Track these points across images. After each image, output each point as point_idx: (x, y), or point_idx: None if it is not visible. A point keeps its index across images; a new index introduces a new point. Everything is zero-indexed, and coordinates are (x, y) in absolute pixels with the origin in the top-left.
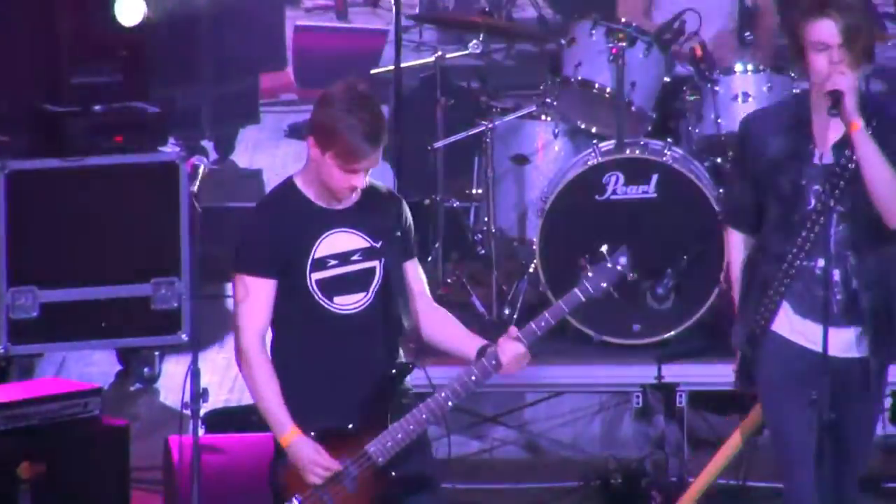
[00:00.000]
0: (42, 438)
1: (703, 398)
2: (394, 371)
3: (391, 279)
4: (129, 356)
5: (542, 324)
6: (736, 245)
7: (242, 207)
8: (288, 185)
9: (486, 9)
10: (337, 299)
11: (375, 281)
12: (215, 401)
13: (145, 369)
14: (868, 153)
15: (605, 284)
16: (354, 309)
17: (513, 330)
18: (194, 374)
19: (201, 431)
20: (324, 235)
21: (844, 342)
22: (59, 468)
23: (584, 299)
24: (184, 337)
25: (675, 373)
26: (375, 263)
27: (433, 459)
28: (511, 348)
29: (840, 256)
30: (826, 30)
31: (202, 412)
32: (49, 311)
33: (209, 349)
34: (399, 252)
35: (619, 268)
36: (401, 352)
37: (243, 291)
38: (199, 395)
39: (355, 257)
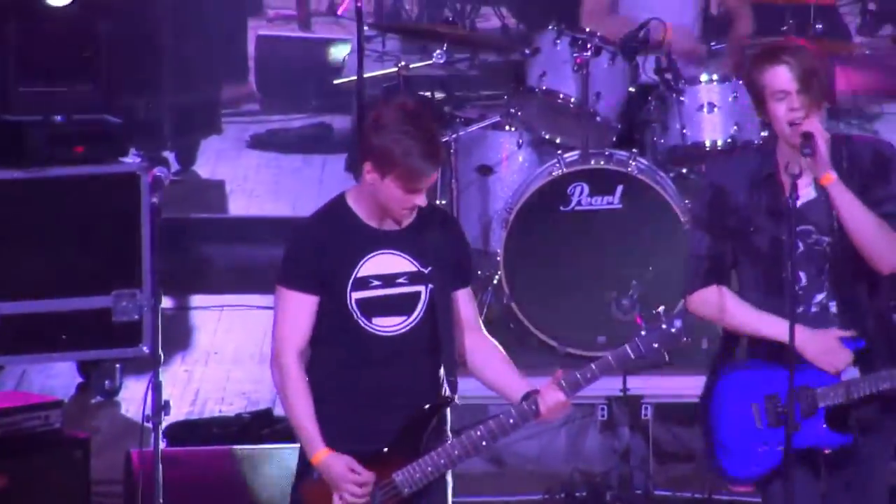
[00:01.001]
0: (3, 451)
1: (668, 411)
2: (434, 402)
3: (437, 306)
4: (90, 369)
5: (588, 375)
6: (731, 295)
7: (204, 219)
8: (338, 202)
9: (450, 18)
10: (376, 320)
11: (420, 306)
12: (177, 413)
13: (106, 382)
14: (846, 203)
15: (657, 345)
16: (394, 331)
17: (558, 375)
18: (155, 386)
19: (163, 444)
20: (369, 255)
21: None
22: (21, 481)
23: (633, 357)
24: (145, 349)
25: (640, 385)
26: (421, 288)
27: (447, 498)
28: (552, 397)
29: (842, 291)
30: (782, 77)
31: (163, 425)
32: (9, 323)
33: (171, 361)
34: (449, 279)
35: (673, 331)
36: (445, 382)
37: (284, 305)
38: (160, 407)
39: (400, 280)
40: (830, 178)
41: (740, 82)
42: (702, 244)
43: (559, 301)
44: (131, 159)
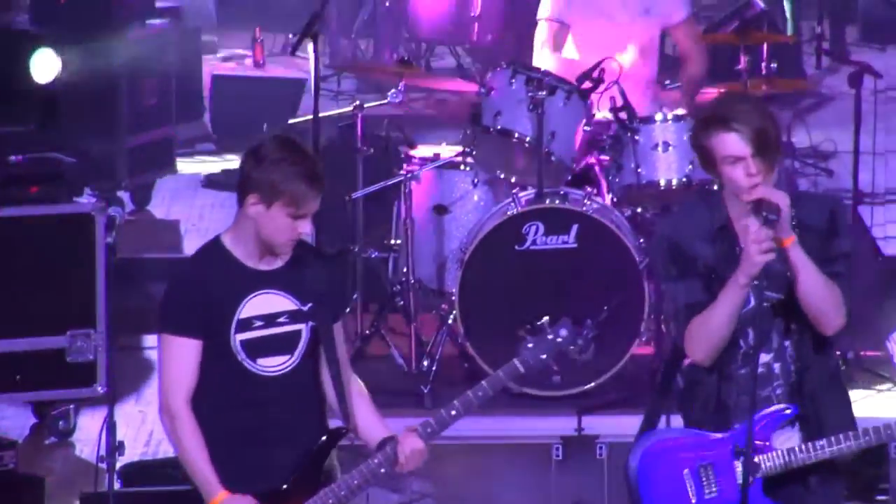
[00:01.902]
0: None
1: (624, 450)
2: (327, 436)
3: (319, 342)
4: (45, 409)
5: (480, 393)
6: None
7: (159, 258)
8: (214, 244)
9: (406, 58)
10: (261, 361)
11: (301, 344)
12: (131, 454)
13: (60, 422)
14: (801, 265)
15: (544, 356)
16: (279, 371)
17: (411, 427)
18: (110, 427)
19: (117, 485)
20: (250, 296)
21: (791, 440)
22: None
23: (523, 371)
24: (100, 389)
25: (595, 424)
26: (302, 326)
27: None
28: (409, 444)
29: (781, 345)
30: (734, 144)
31: (118, 466)
32: None
33: (125, 402)
34: (329, 315)
35: (559, 340)
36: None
37: (168, 351)
38: (114, 448)
39: (281, 319)
40: (791, 239)
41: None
42: (678, 296)
43: (514, 340)
44: (86, 199)
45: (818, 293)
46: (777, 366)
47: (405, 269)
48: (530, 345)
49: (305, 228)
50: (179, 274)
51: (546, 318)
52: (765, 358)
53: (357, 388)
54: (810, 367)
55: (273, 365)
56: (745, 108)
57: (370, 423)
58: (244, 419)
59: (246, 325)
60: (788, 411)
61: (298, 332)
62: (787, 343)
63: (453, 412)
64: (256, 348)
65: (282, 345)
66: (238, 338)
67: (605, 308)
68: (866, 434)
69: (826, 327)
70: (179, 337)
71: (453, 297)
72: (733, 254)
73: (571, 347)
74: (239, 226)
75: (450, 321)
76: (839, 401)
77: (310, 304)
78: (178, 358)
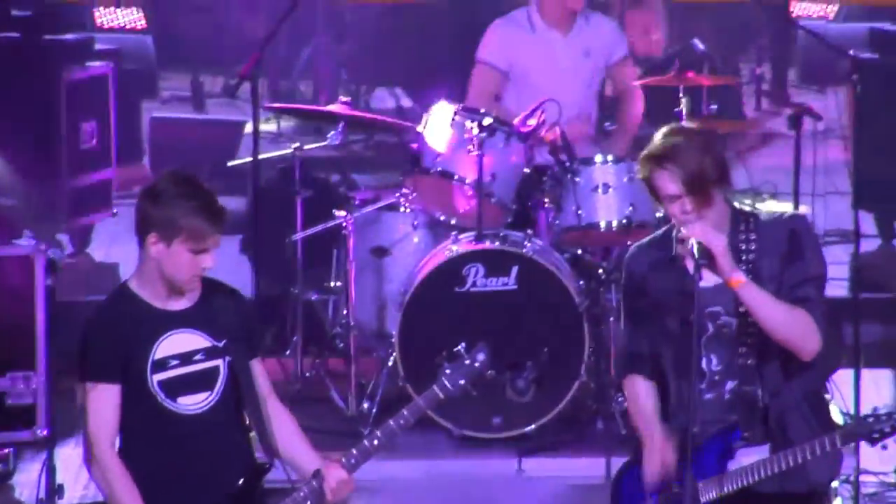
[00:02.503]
0: None
1: (564, 490)
2: (251, 471)
3: (237, 378)
4: None
5: (402, 422)
6: (642, 392)
7: (99, 301)
8: (121, 291)
9: (345, 99)
10: (181, 400)
11: (220, 380)
12: (71, 497)
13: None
14: (757, 305)
15: (463, 381)
16: (200, 409)
17: (377, 432)
18: (49, 469)
19: None
20: (164, 336)
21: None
22: None
23: (442, 397)
24: (40, 432)
25: (535, 466)
26: (219, 362)
27: None
28: (334, 476)
29: (749, 371)
30: (668, 183)
31: None
32: None
33: (65, 445)
34: (244, 350)
35: (476, 365)
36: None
37: (89, 399)
38: (54, 491)
39: (197, 357)
40: (739, 280)
41: (634, 163)
42: (624, 335)
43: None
44: (26, 242)
45: (781, 327)
46: (746, 390)
47: (345, 312)
48: (448, 371)
49: (208, 263)
50: (91, 322)
51: (463, 345)
52: (730, 385)
53: (286, 418)
54: (780, 393)
55: (194, 403)
56: (683, 146)
57: (300, 452)
58: (170, 459)
59: (162, 365)
60: (747, 435)
61: (216, 369)
62: (754, 368)
63: (375, 442)
64: (175, 387)
65: (201, 382)
66: (155, 379)
67: (546, 350)
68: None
69: (801, 354)
70: (99, 384)
71: (393, 340)
72: (682, 286)
73: (490, 372)
74: (143, 268)
75: (390, 363)
76: (812, 425)
77: (224, 340)
78: (99, 405)
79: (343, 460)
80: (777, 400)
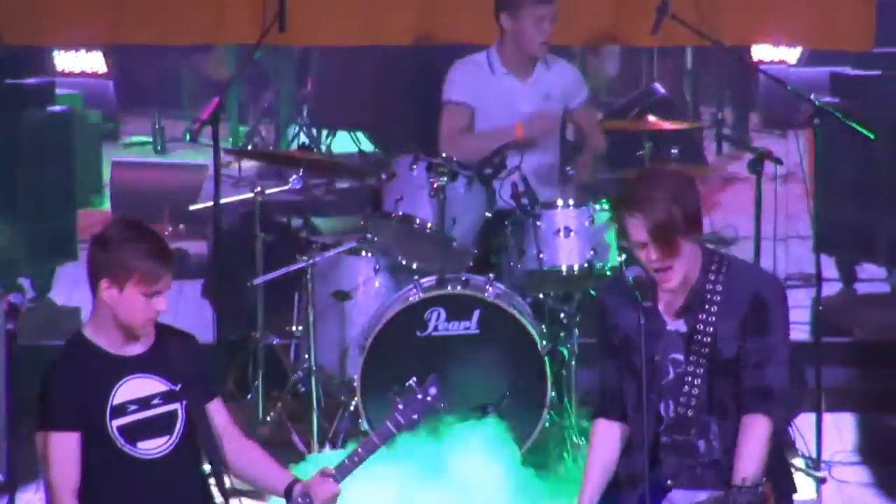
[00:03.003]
0: None
1: None
2: None
3: (195, 420)
4: None
5: (356, 458)
6: (604, 439)
7: (61, 345)
8: (77, 339)
9: (306, 143)
10: (141, 444)
11: (179, 423)
12: None
13: None
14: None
15: (416, 416)
16: (160, 453)
17: (327, 469)
18: None
19: None
20: (121, 382)
21: None
22: None
23: (396, 432)
24: (0, 477)
25: None
26: (177, 406)
27: None
28: (326, 489)
29: (703, 423)
30: (636, 229)
31: None
32: None
33: (25, 490)
34: (200, 393)
35: (429, 399)
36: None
37: (49, 448)
38: None
39: (155, 401)
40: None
41: (596, 207)
42: (601, 370)
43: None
44: None
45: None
46: (701, 443)
47: (307, 356)
48: (401, 406)
49: (161, 306)
50: (49, 372)
51: (414, 379)
52: (690, 430)
53: (250, 448)
54: (726, 451)
55: (153, 447)
56: (653, 195)
57: (271, 473)
58: (131, 503)
59: (120, 410)
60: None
61: (175, 412)
62: (710, 421)
63: (356, 458)
64: (134, 432)
65: (160, 426)
66: (114, 424)
67: (507, 394)
68: None
69: None
70: (58, 432)
71: (355, 384)
72: (650, 327)
73: (441, 405)
74: (97, 315)
75: (351, 407)
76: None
77: (180, 384)
78: (59, 454)
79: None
80: (720, 443)
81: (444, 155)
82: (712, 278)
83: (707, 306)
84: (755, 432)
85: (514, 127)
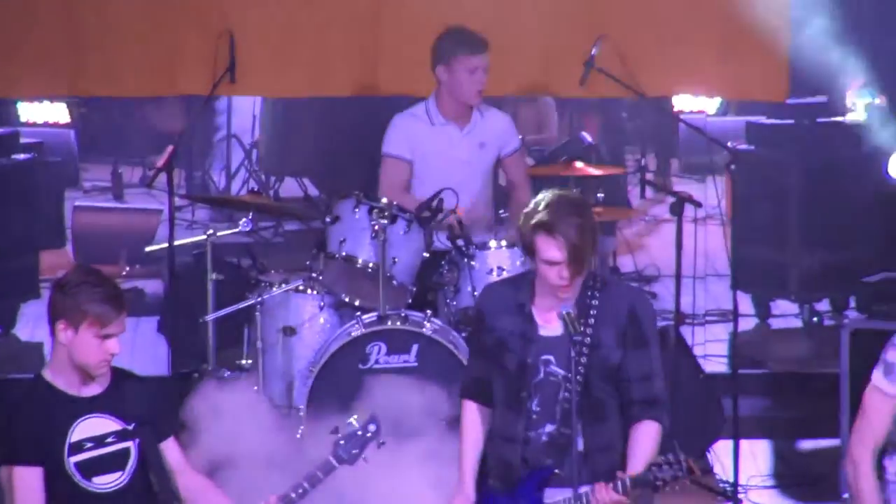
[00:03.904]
0: None
1: None
2: None
3: (147, 458)
4: None
5: (301, 490)
6: (471, 418)
7: (24, 379)
8: (38, 381)
9: (255, 189)
10: (95, 479)
11: (131, 460)
12: None
13: None
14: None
15: (356, 451)
16: (112, 487)
17: (271, 500)
18: None
19: None
20: (78, 421)
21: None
22: None
23: (338, 466)
24: None
25: None
26: (129, 444)
27: None
28: None
29: (564, 421)
30: (553, 249)
31: None
32: None
33: None
34: (153, 431)
35: (368, 435)
36: None
37: (15, 483)
38: None
39: (110, 439)
40: None
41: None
42: (468, 363)
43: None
44: None
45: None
46: (563, 433)
47: (255, 388)
48: (342, 442)
49: (115, 348)
50: (11, 411)
51: (355, 416)
52: (549, 428)
53: (206, 486)
54: (595, 452)
55: (107, 482)
56: (570, 220)
57: None
58: None
59: (78, 447)
60: (557, 471)
61: (127, 450)
62: (580, 421)
63: (301, 490)
64: (90, 468)
65: (113, 463)
66: (72, 460)
67: (445, 422)
68: None
69: None
70: (23, 467)
71: (301, 414)
72: (524, 331)
73: (380, 442)
74: (55, 358)
75: (297, 436)
76: (611, 465)
77: (134, 424)
78: (23, 487)
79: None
80: (598, 457)
81: (384, 199)
82: (589, 293)
83: (586, 318)
84: (648, 436)
85: (451, 180)
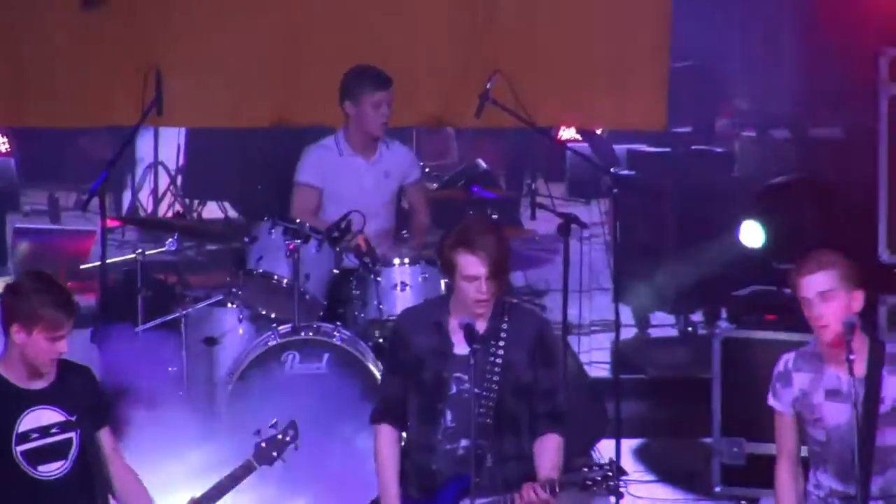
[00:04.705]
0: None
1: None
2: None
3: (87, 446)
4: None
5: (221, 489)
6: (386, 440)
7: None
8: None
9: (180, 211)
10: (41, 467)
11: (73, 449)
12: None
13: None
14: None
15: (275, 454)
16: (56, 475)
17: (193, 498)
18: None
19: None
20: (25, 413)
21: None
22: None
23: (257, 467)
24: None
25: None
26: (72, 434)
27: None
28: None
29: (478, 434)
30: (475, 266)
31: None
32: None
33: None
34: (92, 422)
35: (287, 439)
36: None
37: None
38: None
39: (54, 430)
40: None
41: (427, 265)
42: (382, 381)
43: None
44: None
45: None
46: (480, 452)
47: (180, 394)
48: (263, 444)
49: (63, 349)
50: None
51: (275, 420)
52: (464, 442)
53: (129, 476)
54: (509, 461)
55: (51, 470)
56: (489, 238)
57: (141, 499)
58: None
59: (24, 437)
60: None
61: (70, 440)
62: (491, 434)
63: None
64: (35, 457)
65: (56, 452)
66: (19, 450)
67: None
68: None
69: None
70: None
71: (222, 417)
72: (440, 348)
73: (297, 445)
74: (8, 354)
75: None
76: (521, 474)
77: (76, 415)
78: None
79: None
80: (507, 467)
81: (297, 220)
82: (499, 318)
83: (496, 340)
84: (553, 447)
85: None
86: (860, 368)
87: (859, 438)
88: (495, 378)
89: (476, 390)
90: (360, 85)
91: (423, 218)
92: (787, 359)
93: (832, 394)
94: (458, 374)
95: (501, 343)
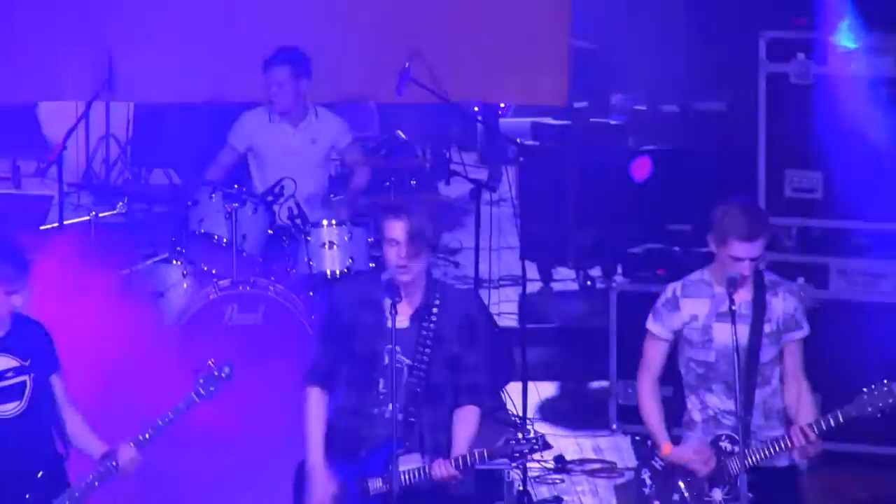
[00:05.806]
0: None
1: None
2: (51, 461)
3: (41, 389)
4: None
5: (163, 422)
6: (315, 403)
7: None
8: None
9: (129, 178)
10: None
11: (28, 391)
12: None
13: None
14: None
15: (213, 389)
16: (13, 413)
17: (131, 441)
18: None
19: None
20: None
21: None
22: None
23: (198, 401)
24: None
25: None
26: (26, 378)
27: None
28: (127, 453)
29: (409, 402)
30: (396, 229)
31: None
32: None
33: None
34: (44, 367)
35: (223, 376)
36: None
37: None
38: None
39: (9, 374)
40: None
41: (353, 226)
42: (314, 349)
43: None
44: None
45: None
46: (400, 416)
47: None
48: (202, 381)
49: (18, 302)
50: None
51: (213, 360)
52: (396, 405)
53: (77, 418)
54: (439, 431)
55: (9, 409)
56: (413, 207)
57: (90, 442)
58: None
59: None
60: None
61: (24, 383)
62: (420, 402)
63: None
64: None
65: (12, 394)
66: None
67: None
68: None
69: None
70: None
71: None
72: (374, 322)
73: (232, 380)
74: None
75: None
76: (448, 440)
77: (29, 360)
78: None
79: (134, 440)
80: (420, 422)
81: (235, 186)
82: (432, 294)
83: (429, 316)
84: (470, 419)
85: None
86: (748, 293)
87: (749, 355)
88: (427, 350)
89: (409, 361)
90: (266, 66)
91: (358, 179)
92: (675, 287)
93: (723, 315)
94: (391, 347)
95: (433, 318)
